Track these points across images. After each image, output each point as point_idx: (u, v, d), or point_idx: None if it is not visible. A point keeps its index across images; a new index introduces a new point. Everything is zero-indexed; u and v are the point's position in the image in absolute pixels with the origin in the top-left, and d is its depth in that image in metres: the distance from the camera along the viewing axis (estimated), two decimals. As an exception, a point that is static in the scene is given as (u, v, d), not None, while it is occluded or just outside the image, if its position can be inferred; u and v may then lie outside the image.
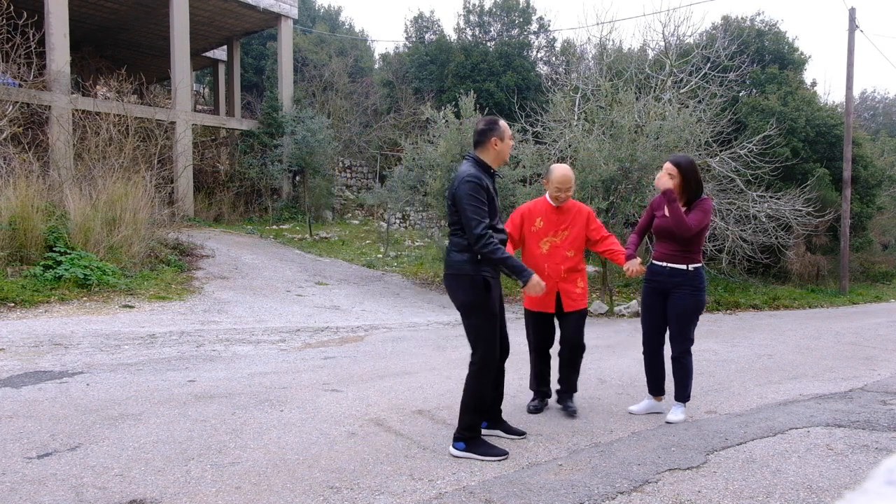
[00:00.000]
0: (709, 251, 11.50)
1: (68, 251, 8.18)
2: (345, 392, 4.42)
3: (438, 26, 24.86)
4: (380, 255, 13.87)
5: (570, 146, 11.14)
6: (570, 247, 4.13)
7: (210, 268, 10.52)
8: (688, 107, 11.23)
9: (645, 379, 4.31)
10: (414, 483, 2.88)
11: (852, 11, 15.82)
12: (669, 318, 4.03)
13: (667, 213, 3.94)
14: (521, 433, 3.63)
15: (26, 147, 11.21)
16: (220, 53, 22.40)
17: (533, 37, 24.00)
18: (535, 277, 3.30)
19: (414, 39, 24.84)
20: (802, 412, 4.28)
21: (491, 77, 21.03)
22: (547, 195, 4.21)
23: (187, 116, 16.10)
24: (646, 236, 4.45)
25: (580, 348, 4.21)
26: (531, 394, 4.58)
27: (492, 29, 23.53)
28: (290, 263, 11.98)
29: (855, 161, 16.06)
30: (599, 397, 4.59)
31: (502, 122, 3.48)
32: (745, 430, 3.81)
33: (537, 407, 4.22)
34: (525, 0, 23.67)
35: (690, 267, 3.95)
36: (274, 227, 16.58)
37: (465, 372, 3.83)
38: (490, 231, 3.22)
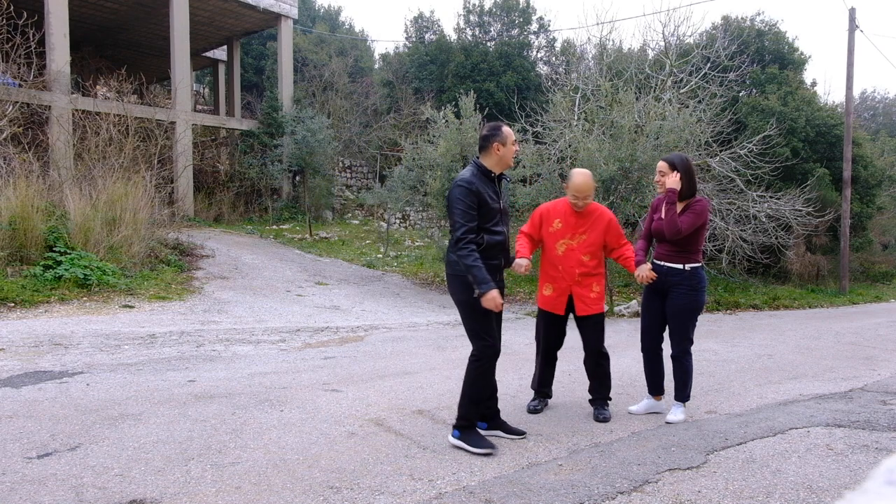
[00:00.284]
0: (709, 251, 11.50)
1: (68, 251, 8.18)
2: (345, 392, 4.42)
3: (438, 26, 24.87)
4: (380, 255, 13.87)
5: (570, 146, 11.14)
6: (587, 251, 4.06)
7: (210, 268, 10.52)
8: (688, 107, 11.23)
9: (644, 379, 4.32)
10: (414, 483, 2.88)
11: (852, 11, 15.82)
12: (668, 316, 4.04)
13: (663, 213, 3.95)
14: (520, 433, 3.64)
15: (26, 147, 11.21)
16: (220, 53, 22.40)
17: (533, 37, 24.01)
18: (493, 293, 3.28)
19: (414, 39, 24.85)
20: (802, 412, 4.28)
21: (491, 77, 21.03)
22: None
23: (187, 116, 16.10)
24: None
25: (602, 355, 4.16)
26: (531, 393, 4.59)
27: (492, 29, 23.53)
28: (290, 263, 11.98)
29: (855, 161, 16.05)
30: (599, 397, 4.58)
31: (506, 129, 3.55)
32: (745, 430, 3.81)
33: (536, 407, 4.21)
34: (525, 0, 23.67)
35: (687, 266, 3.95)
36: (274, 227, 16.58)
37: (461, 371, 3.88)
38: (470, 236, 3.33)
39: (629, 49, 16.34)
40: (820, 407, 4.44)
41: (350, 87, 23.05)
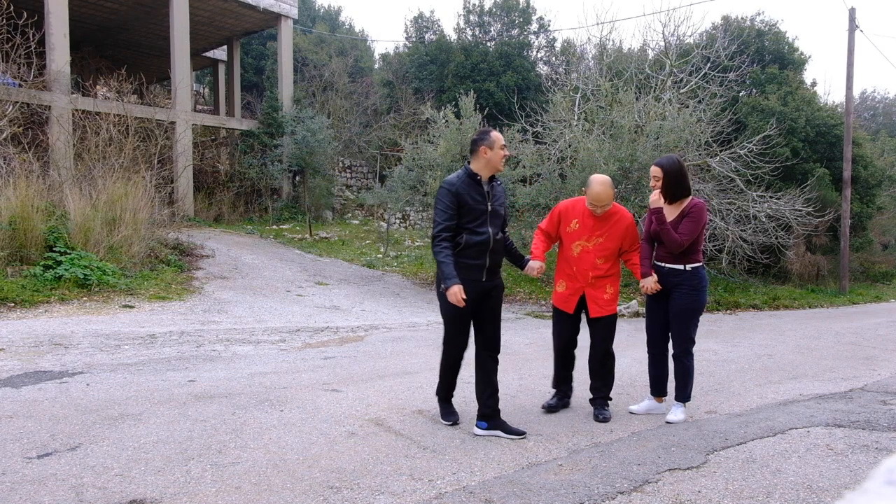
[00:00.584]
0: (709, 251, 11.50)
1: (68, 251, 8.18)
2: (345, 392, 4.42)
3: (438, 26, 24.87)
4: (380, 255, 13.87)
5: (570, 146, 11.14)
6: (601, 254, 4.05)
7: (210, 268, 10.52)
8: (688, 107, 11.23)
9: (646, 379, 4.32)
10: (414, 483, 2.88)
11: (852, 11, 15.83)
12: (670, 317, 4.04)
13: (657, 225, 3.99)
14: (520, 433, 3.64)
15: (26, 147, 11.21)
16: (220, 53, 22.39)
17: (533, 37, 24.01)
18: (455, 288, 3.46)
19: (414, 39, 24.85)
20: (802, 412, 4.28)
21: (491, 77, 21.03)
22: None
23: (187, 116, 16.10)
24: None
25: (609, 356, 4.16)
26: (531, 393, 4.59)
27: (492, 29, 23.53)
28: (290, 263, 11.98)
29: (855, 161, 16.05)
30: (599, 397, 4.58)
31: (494, 133, 3.73)
32: (745, 430, 3.81)
33: (551, 405, 4.19)
34: (525, 0, 23.67)
35: (688, 267, 3.95)
36: (274, 227, 16.58)
37: (465, 372, 3.97)
38: (445, 234, 3.59)
39: (629, 49, 16.34)
40: (820, 407, 4.44)
41: (350, 87, 23.05)
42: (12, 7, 12.01)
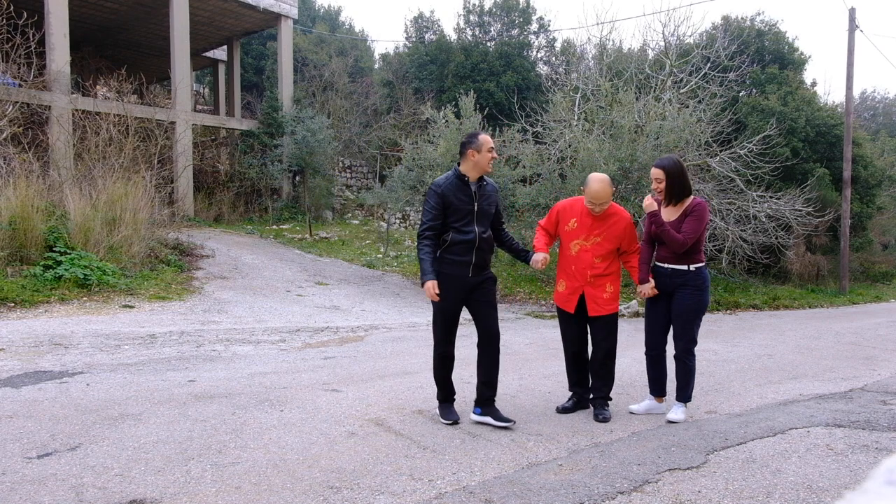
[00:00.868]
0: (709, 251, 11.50)
1: (68, 251, 8.18)
2: (345, 392, 4.42)
3: (438, 26, 24.88)
4: (380, 255, 13.87)
5: (570, 146, 11.14)
6: (599, 253, 4.05)
7: (210, 268, 10.52)
8: (688, 107, 11.23)
9: (647, 379, 4.31)
10: (414, 483, 2.88)
11: (852, 11, 15.83)
12: (673, 317, 4.03)
13: (656, 229, 3.99)
14: (509, 420, 3.81)
15: (26, 147, 11.21)
16: (220, 53, 22.40)
17: (533, 37, 24.01)
18: (429, 284, 3.68)
19: (414, 39, 24.85)
20: (802, 412, 4.28)
21: (491, 77, 21.03)
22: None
23: (187, 116, 16.10)
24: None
25: (609, 355, 4.15)
26: (531, 393, 4.59)
27: (492, 29, 23.53)
28: (290, 263, 11.98)
29: (855, 161, 16.05)
30: (599, 397, 4.58)
31: (482, 136, 3.85)
32: (745, 430, 3.81)
33: (566, 408, 4.18)
34: (525, 0, 23.67)
35: (692, 267, 3.95)
36: (274, 227, 16.58)
37: (465, 371, 3.99)
38: (428, 233, 3.78)
39: (629, 49, 16.34)
40: (820, 407, 4.44)
41: (350, 87, 23.05)
42: (12, 7, 12.01)
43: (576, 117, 12.02)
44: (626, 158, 9.98)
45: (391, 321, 8.09)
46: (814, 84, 26.53)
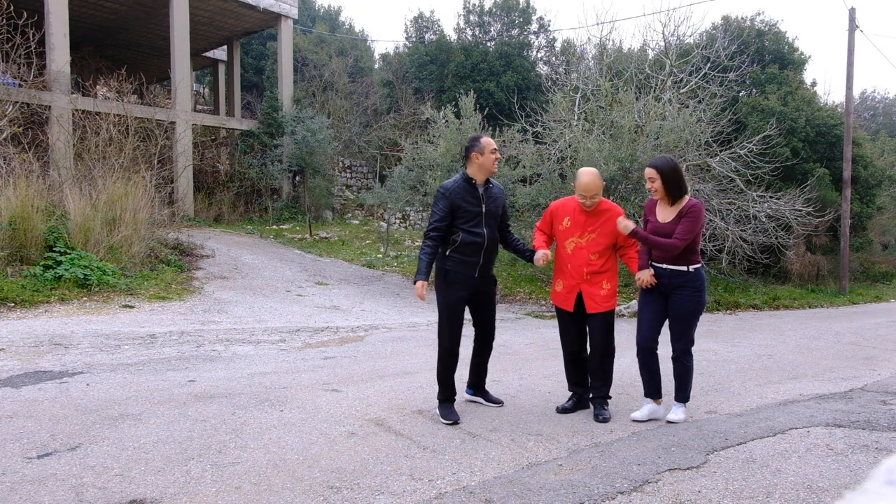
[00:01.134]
0: (709, 251, 11.49)
1: (68, 251, 8.18)
2: (345, 392, 4.42)
3: (438, 26, 24.87)
4: (380, 255, 13.87)
5: (570, 146, 11.14)
6: (595, 250, 4.05)
7: (210, 268, 10.52)
8: (688, 107, 11.23)
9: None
10: (414, 483, 2.88)
11: (852, 11, 15.83)
12: (671, 318, 4.00)
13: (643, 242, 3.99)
14: (498, 401, 4.24)
15: (26, 147, 11.21)
16: (220, 53, 22.40)
17: (533, 37, 24.00)
18: (418, 284, 3.84)
19: (414, 39, 24.85)
20: (802, 412, 4.28)
21: (491, 77, 21.03)
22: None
23: (187, 116, 16.10)
24: None
25: (607, 354, 4.14)
26: (531, 393, 4.58)
27: (492, 29, 23.53)
28: (290, 263, 11.98)
29: (855, 161, 16.05)
30: (599, 397, 4.58)
31: (485, 139, 3.97)
32: (745, 430, 3.81)
33: (566, 408, 4.17)
34: (525, 0, 23.67)
35: (691, 268, 3.92)
36: (274, 227, 16.58)
37: (465, 371, 4.01)
38: (433, 233, 3.89)
39: (629, 49, 16.34)
40: (820, 407, 4.44)
41: (350, 87, 23.04)
42: (12, 7, 12.01)
43: (576, 117, 12.02)
44: (626, 158, 9.97)
45: (391, 321, 8.09)
46: (814, 84, 26.55)
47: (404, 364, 5.47)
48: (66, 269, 7.81)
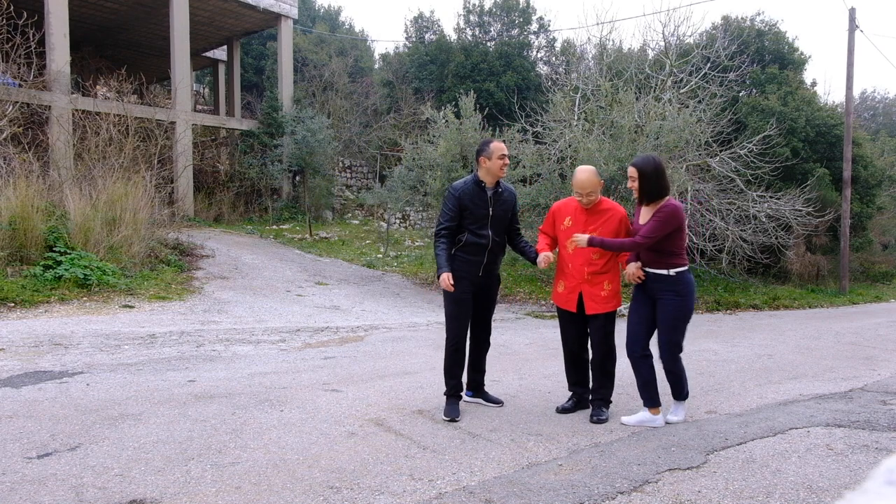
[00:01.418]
0: (709, 251, 11.50)
1: (68, 251, 8.18)
2: (345, 392, 4.42)
3: (438, 26, 24.87)
4: (380, 255, 13.87)
5: (570, 146, 11.14)
6: (596, 250, 4.00)
7: (210, 268, 10.52)
8: (688, 107, 11.23)
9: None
10: (414, 483, 2.88)
11: (852, 11, 15.83)
12: (658, 324, 3.89)
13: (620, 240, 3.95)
14: (498, 401, 4.27)
15: (26, 147, 11.21)
16: (220, 53, 22.40)
17: (533, 37, 24.00)
18: (444, 276, 3.92)
19: (414, 39, 24.85)
20: (802, 412, 4.27)
21: (491, 77, 21.02)
22: None
23: (187, 116, 16.10)
24: None
25: (608, 356, 4.10)
26: (531, 393, 4.58)
27: (492, 29, 23.53)
28: (290, 263, 11.98)
29: (855, 161, 16.05)
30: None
31: (493, 144, 4.04)
32: (745, 430, 3.81)
33: (565, 408, 4.16)
34: (525, 0, 23.67)
35: (672, 272, 3.79)
36: (274, 227, 16.58)
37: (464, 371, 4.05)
38: (444, 232, 4.01)
39: (629, 49, 16.33)
40: (820, 407, 4.44)
41: (350, 87, 23.05)
42: (12, 7, 12.01)
43: (576, 117, 12.02)
44: (626, 158, 9.96)
45: (391, 321, 8.09)
46: (814, 84, 26.55)
47: (404, 364, 5.47)
48: (66, 269, 7.81)
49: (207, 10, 17.66)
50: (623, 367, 5.31)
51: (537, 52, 24.33)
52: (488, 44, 22.89)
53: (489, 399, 4.27)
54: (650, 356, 3.97)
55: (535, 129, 12.26)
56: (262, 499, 2.66)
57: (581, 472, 3.08)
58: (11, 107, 11.71)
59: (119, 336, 6.05)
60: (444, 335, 4.13)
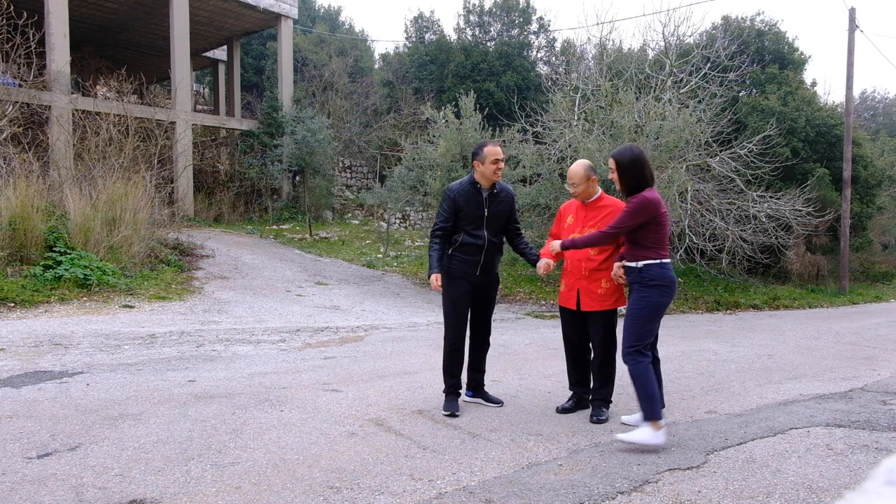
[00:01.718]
0: (709, 251, 11.49)
1: (68, 251, 8.18)
2: (345, 392, 4.42)
3: (438, 26, 24.87)
4: (380, 255, 13.87)
5: (570, 146, 11.13)
6: (595, 246, 3.99)
7: (210, 268, 10.52)
8: (688, 107, 11.22)
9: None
10: (414, 483, 2.88)
11: (852, 11, 15.83)
12: None
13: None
14: (498, 401, 4.27)
15: (26, 147, 11.21)
16: (220, 53, 22.40)
17: (533, 37, 24.00)
18: (432, 277, 3.99)
19: (414, 39, 24.85)
20: (802, 412, 4.27)
21: (491, 77, 21.02)
22: None
23: (187, 116, 16.10)
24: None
25: (607, 358, 4.06)
26: (531, 393, 4.58)
27: (492, 29, 23.53)
28: (290, 263, 11.98)
29: (855, 161, 16.05)
30: (599, 397, 4.57)
31: (487, 148, 4.04)
32: (745, 430, 3.81)
33: (565, 408, 4.15)
34: (525, 0, 23.66)
35: (640, 264, 3.64)
36: (274, 227, 16.58)
37: (463, 372, 4.05)
38: (439, 232, 4.06)
39: (629, 49, 16.32)
40: (820, 407, 4.44)
41: (350, 87, 23.04)
42: (12, 7, 12.01)
43: (576, 117, 12.01)
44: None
45: (391, 321, 8.09)
46: (814, 84, 26.55)
47: (404, 364, 5.47)
48: (66, 269, 7.81)
49: (207, 10, 17.66)
50: (622, 367, 5.32)
51: (537, 52, 24.33)
52: (488, 44, 22.89)
53: (489, 399, 4.28)
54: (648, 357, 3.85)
55: (535, 129, 12.25)
56: (262, 499, 2.66)
57: (581, 472, 3.08)
58: (11, 107, 11.71)
59: (119, 336, 6.05)
60: (443, 335, 4.15)
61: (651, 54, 15.08)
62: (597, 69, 13.28)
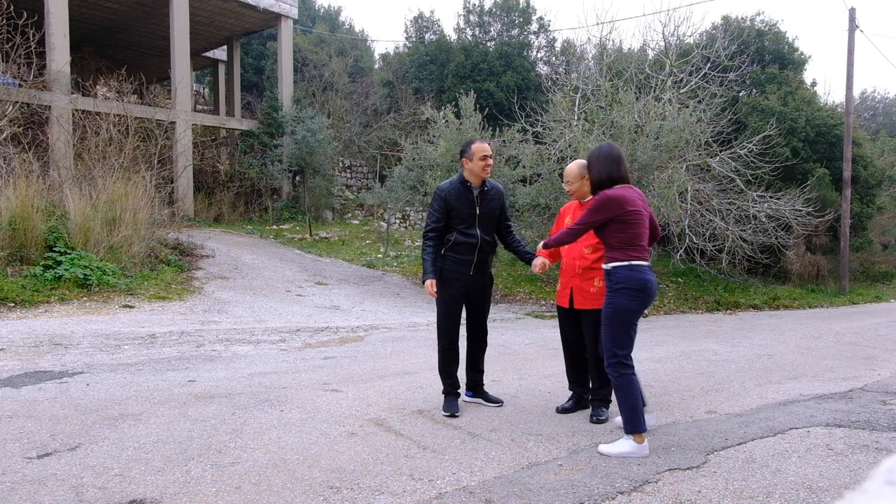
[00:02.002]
0: (709, 251, 11.49)
1: (68, 251, 8.18)
2: (345, 392, 4.42)
3: (438, 26, 24.87)
4: (380, 255, 13.87)
5: (570, 146, 11.13)
6: (588, 243, 3.96)
7: (210, 268, 10.52)
8: (688, 107, 11.22)
9: (646, 382, 4.27)
10: (414, 483, 2.88)
11: (852, 11, 15.83)
12: None
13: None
14: (498, 400, 4.26)
15: (26, 147, 11.21)
16: (220, 53, 22.40)
17: (533, 37, 24.00)
18: (427, 283, 3.97)
19: (414, 39, 24.85)
20: (802, 412, 4.28)
21: (491, 77, 21.02)
22: None
23: (187, 116, 16.10)
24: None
25: (601, 359, 3.96)
26: (531, 393, 4.58)
27: (492, 29, 23.53)
28: (290, 263, 11.98)
29: (855, 161, 16.05)
30: (599, 397, 4.57)
31: (474, 145, 4.03)
32: (745, 430, 3.81)
33: (565, 408, 4.15)
34: (525, 0, 23.66)
35: (608, 266, 3.47)
36: (274, 227, 16.58)
37: (463, 372, 4.04)
38: (431, 234, 4.05)
39: (629, 49, 16.32)
40: (820, 407, 4.44)
41: (350, 87, 23.04)
42: (12, 7, 12.01)
43: (576, 117, 12.01)
44: (626, 158, 9.96)
45: (391, 321, 8.09)
46: (814, 84, 26.56)
47: (404, 364, 5.47)
48: (66, 269, 7.81)
49: (207, 10, 17.66)
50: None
51: (537, 52, 24.33)
52: (488, 44, 22.88)
53: (489, 399, 4.27)
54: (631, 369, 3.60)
55: (535, 129, 12.25)
56: (262, 499, 2.66)
57: (581, 472, 3.08)
58: (11, 107, 11.71)
59: (119, 336, 6.05)
60: (437, 322, 4.15)
61: (651, 54, 15.08)
62: (597, 69, 13.27)
